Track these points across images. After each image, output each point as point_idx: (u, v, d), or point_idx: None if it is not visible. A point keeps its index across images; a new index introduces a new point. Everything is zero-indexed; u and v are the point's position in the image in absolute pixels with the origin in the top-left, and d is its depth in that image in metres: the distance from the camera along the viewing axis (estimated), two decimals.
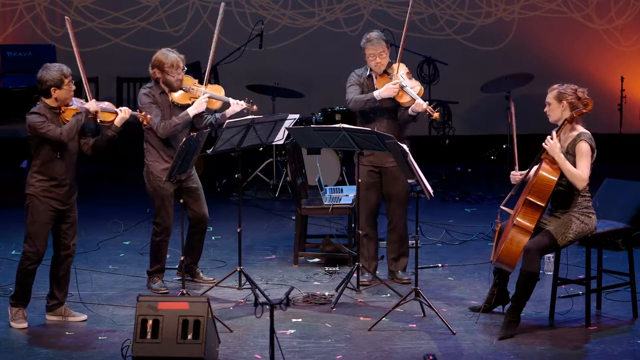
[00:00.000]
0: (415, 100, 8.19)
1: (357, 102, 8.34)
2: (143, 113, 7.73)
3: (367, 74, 8.43)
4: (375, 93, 8.26)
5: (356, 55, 8.97)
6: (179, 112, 8.18)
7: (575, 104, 7.32)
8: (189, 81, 8.25)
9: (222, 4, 8.50)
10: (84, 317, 7.66)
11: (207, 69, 8.37)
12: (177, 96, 8.19)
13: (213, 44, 8.38)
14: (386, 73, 8.38)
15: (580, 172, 7.21)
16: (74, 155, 7.43)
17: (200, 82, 8.35)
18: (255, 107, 8.33)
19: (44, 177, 7.33)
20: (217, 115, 8.36)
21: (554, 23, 13.76)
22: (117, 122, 7.51)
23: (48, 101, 7.33)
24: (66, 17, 7.65)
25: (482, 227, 10.09)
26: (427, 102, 8.21)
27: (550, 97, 7.40)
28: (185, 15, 13.63)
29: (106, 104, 7.56)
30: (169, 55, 8.14)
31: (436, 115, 8.19)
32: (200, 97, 8.17)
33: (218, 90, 8.34)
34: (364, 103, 8.31)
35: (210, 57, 8.40)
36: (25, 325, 7.48)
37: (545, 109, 7.42)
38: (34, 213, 7.36)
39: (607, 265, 8.00)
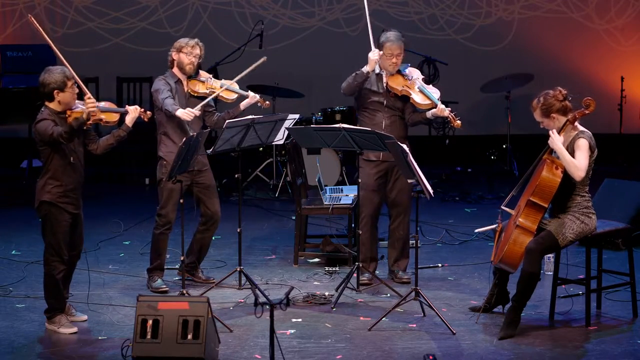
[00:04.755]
0: (436, 105, 8.18)
1: (347, 81, 8.32)
2: (142, 109, 7.71)
3: (377, 71, 8.40)
4: (365, 68, 8.24)
5: (356, 55, 8.98)
6: (195, 102, 8.26)
7: (564, 107, 7.31)
8: (204, 75, 8.38)
9: (264, 58, 8.53)
10: (85, 317, 7.66)
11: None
12: (194, 86, 8.28)
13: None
14: (400, 73, 8.37)
15: (577, 161, 7.21)
16: (83, 159, 7.43)
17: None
18: (267, 102, 8.39)
19: (60, 183, 7.28)
20: (230, 110, 8.42)
21: (554, 23, 13.77)
22: (129, 121, 7.50)
23: (52, 105, 7.28)
24: (29, 15, 7.59)
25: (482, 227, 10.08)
26: (449, 109, 8.20)
27: (537, 116, 7.38)
28: (185, 15, 13.63)
29: (104, 104, 7.54)
30: (190, 39, 8.32)
31: (458, 123, 8.16)
32: (192, 110, 8.15)
33: (233, 86, 8.44)
34: (353, 79, 8.29)
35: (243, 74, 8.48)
36: (75, 329, 7.42)
37: (541, 126, 7.42)
38: (54, 223, 7.31)
39: (607, 265, 8.01)
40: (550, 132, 7.28)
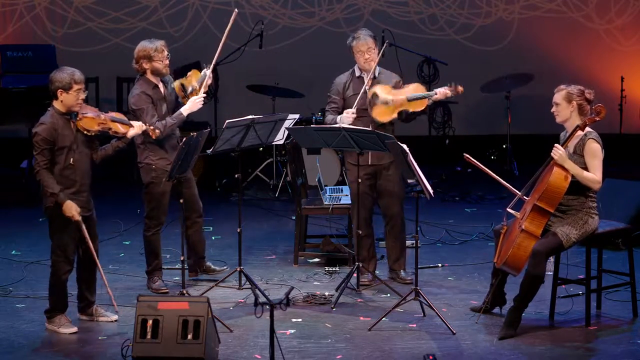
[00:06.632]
0: (433, 95, 8.19)
1: (326, 124, 8.39)
2: (152, 128, 7.76)
3: (358, 74, 8.42)
4: (338, 119, 8.30)
5: None
6: (171, 102, 8.32)
7: (583, 106, 7.31)
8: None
9: (235, 11, 8.51)
10: (115, 317, 7.65)
11: (210, 69, 8.39)
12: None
13: (219, 48, 8.39)
14: (379, 103, 8.29)
15: (594, 175, 7.21)
16: (88, 161, 7.42)
17: None
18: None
19: (63, 187, 7.29)
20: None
21: (554, 23, 13.76)
22: (130, 135, 7.58)
23: (57, 105, 7.31)
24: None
25: (482, 227, 10.08)
26: (444, 87, 8.22)
27: (559, 97, 7.36)
28: (185, 15, 13.63)
29: (115, 115, 7.57)
30: (152, 43, 8.23)
31: (460, 89, 8.18)
32: (194, 97, 8.22)
33: (197, 74, 8.40)
34: (330, 122, 8.36)
35: (214, 60, 8.41)
36: (74, 328, 7.43)
37: (553, 109, 7.40)
38: (59, 224, 7.32)
39: (607, 265, 8.00)
40: (555, 148, 7.24)
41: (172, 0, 13.64)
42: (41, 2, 13.52)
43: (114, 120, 7.50)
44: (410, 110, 8.24)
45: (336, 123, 8.26)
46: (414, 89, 8.29)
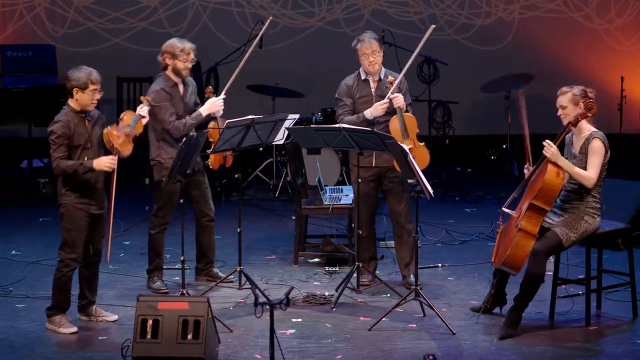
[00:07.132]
0: (402, 112, 8.23)
1: (350, 119, 8.31)
2: (145, 97, 7.82)
3: (363, 77, 8.41)
4: (367, 114, 8.26)
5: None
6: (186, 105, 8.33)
7: (587, 105, 7.34)
8: None
9: (270, 18, 8.54)
10: (115, 317, 7.66)
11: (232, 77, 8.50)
12: None
13: (247, 54, 8.45)
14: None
15: (587, 173, 7.22)
16: (101, 156, 7.44)
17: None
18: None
19: (72, 187, 7.31)
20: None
21: (554, 23, 13.76)
22: (144, 123, 7.68)
23: (72, 103, 7.33)
24: None
25: (482, 227, 10.09)
26: (390, 96, 8.22)
27: (565, 100, 7.37)
28: (185, 15, 13.63)
29: (131, 117, 7.58)
30: (182, 43, 8.27)
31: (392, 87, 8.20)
32: (213, 99, 8.26)
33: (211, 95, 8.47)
34: (357, 118, 8.30)
35: (241, 64, 8.49)
36: (75, 328, 7.43)
37: (559, 113, 7.40)
38: (70, 221, 7.35)
39: (607, 265, 8.00)
40: (548, 145, 7.24)
41: (172, 0, 13.64)
42: (41, 2, 13.52)
43: (134, 125, 7.52)
44: (416, 129, 8.31)
45: (365, 118, 8.23)
46: (397, 121, 8.29)
